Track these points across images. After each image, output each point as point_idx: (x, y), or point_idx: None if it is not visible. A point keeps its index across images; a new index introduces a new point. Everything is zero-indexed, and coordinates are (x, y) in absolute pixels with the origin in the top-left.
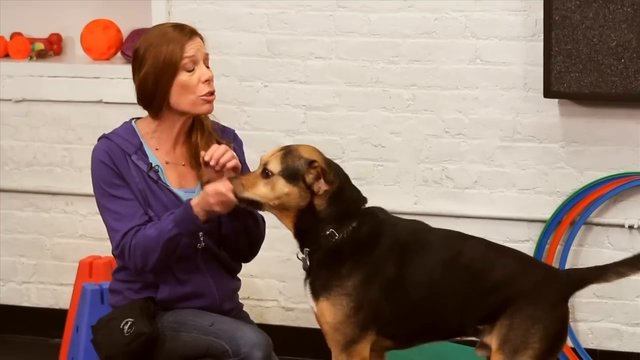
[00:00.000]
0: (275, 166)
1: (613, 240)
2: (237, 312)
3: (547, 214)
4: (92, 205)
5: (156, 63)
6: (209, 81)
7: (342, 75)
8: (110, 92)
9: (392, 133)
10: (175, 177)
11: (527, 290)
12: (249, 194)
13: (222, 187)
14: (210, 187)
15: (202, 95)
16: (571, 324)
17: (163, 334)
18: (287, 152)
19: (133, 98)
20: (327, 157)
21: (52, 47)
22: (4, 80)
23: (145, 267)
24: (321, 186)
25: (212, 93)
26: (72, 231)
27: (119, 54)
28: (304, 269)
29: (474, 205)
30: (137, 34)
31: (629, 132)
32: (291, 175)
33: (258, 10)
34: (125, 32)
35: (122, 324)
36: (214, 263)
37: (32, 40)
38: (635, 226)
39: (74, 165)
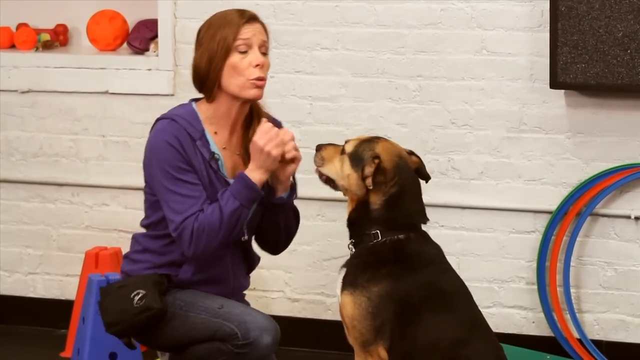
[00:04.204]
0: (349, 147)
1: (619, 231)
2: None
3: (553, 205)
4: (98, 196)
5: (211, 43)
6: (260, 66)
7: (348, 66)
8: (116, 83)
9: (398, 124)
10: (231, 167)
11: None
12: (325, 169)
13: (264, 129)
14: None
15: (251, 79)
16: (577, 315)
17: (171, 312)
18: (367, 140)
19: (139, 89)
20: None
21: (58, 38)
22: (10, 71)
23: (208, 248)
24: (369, 181)
25: (262, 79)
26: (78, 222)
27: (125, 44)
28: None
29: (480, 196)
30: (143, 24)
31: (635, 123)
32: (355, 160)
33: (264, 1)
34: (131, 23)
35: (132, 294)
36: (239, 256)
37: (38, 31)
38: None
39: (80, 156)
